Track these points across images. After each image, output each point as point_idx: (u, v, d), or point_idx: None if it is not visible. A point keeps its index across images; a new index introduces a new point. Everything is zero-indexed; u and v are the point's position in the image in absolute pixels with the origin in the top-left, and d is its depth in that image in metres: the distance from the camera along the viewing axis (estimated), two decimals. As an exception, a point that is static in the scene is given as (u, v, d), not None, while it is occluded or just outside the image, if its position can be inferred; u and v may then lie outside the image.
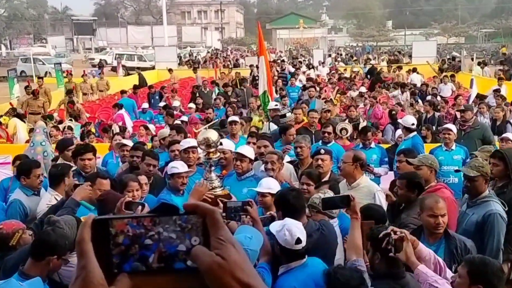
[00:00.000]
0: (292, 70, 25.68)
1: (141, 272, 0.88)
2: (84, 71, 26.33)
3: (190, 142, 6.38)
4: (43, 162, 8.20)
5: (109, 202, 4.69)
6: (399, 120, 8.69)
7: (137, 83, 23.43)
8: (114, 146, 7.73)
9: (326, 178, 5.91)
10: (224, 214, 4.34)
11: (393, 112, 11.99)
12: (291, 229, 3.66)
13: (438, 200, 4.24)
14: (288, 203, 4.18)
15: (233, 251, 0.87)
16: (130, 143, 7.74)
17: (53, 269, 3.70)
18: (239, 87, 18.63)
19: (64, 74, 23.96)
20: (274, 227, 3.78)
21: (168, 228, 0.89)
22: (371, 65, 28.31)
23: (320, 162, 6.20)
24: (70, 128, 10.16)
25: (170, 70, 26.54)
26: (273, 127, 9.63)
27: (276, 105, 10.58)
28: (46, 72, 32.73)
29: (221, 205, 4.46)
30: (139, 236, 0.88)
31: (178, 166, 5.66)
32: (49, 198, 5.47)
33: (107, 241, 0.88)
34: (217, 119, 10.36)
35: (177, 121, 11.09)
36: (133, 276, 0.87)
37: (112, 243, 0.88)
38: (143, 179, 5.65)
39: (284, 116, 9.49)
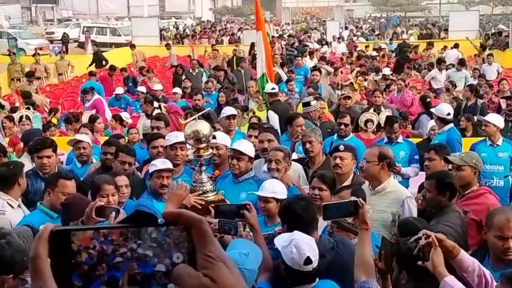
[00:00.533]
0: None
1: None
2: (35, 49, 26.10)
3: (178, 136, 6.37)
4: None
5: (75, 207, 4.69)
6: (432, 110, 8.67)
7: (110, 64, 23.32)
8: (68, 143, 7.71)
9: (348, 182, 5.86)
10: (216, 225, 4.34)
11: (428, 99, 11.96)
12: (300, 246, 3.65)
13: (510, 218, 4.14)
14: (295, 215, 4.15)
15: (225, 271, 0.86)
16: (86, 138, 7.71)
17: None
18: (235, 68, 18.64)
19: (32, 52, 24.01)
20: (280, 241, 3.77)
21: (143, 243, 0.88)
22: (401, 41, 28.25)
23: (338, 161, 6.10)
24: (28, 118, 10.15)
25: (132, 46, 26.29)
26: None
27: (274, 88, 10.61)
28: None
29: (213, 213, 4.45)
30: (107, 254, 0.87)
31: (157, 163, 5.66)
32: (0, 204, 5.46)
33: (67, 259, 0.87)
34: (208, 108, 10.33)
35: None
36: None
37: (74, 262, 0.87)
38: (121, 180, 5.67)
39: (307, 104, 9.48)
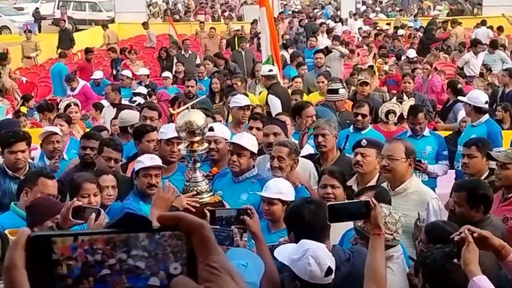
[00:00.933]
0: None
1: None
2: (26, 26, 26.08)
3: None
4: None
5: (40, 209, 4.70)
6: (463, 98, 8.62)
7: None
8: (39, 137, 7.71)
9: (372, 183, 5.80)
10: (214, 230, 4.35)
11: (458, 85, 11.91)
12: (318, 256, 3.63)
13: None
14: (303, 221, 4.11)
15: (232, 285, 0.86)
16: (56, 130, 7.71)
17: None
18: (236, 48, 18.63)
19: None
20: (287, 253, 3.74)
21: (134, 253, 0.87)
22: (431, 17, 28.07)
23: (360, 158, 6.02)
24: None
25: (104, 26, 26.02)
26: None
27: (271, 70, 10.62)
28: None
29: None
30: (93, 265, 0.87)
31: (144, 160, 5.66)
32: None
33: (48, 270, 0.86)
34: (203, 95, 10.35)
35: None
36: None
37: (55, 274, 0.86)
38: (107, 180, 5.67)
39: (335, 91, 9.44)
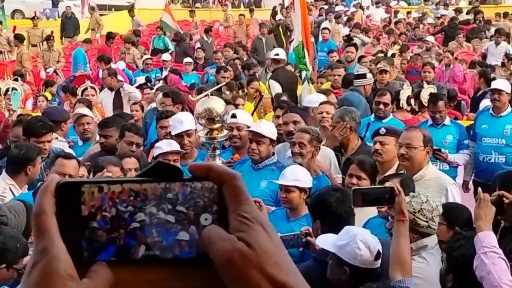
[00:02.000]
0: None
1: (127, 262, 0.85)
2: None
3: (183, 122, 6.29)
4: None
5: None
6: (499, 86, 8.48)
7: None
8: (71, 119, 7.76)
9: (392, 172, 5.75)
10: None
11: (491, 74, 11.78)
12: (367, 240, 3.65)
13: None
14: (329, 209, 4.12)
15: (264, 236, 0.82)
16: (87, 111, 7.77)
17: (0, 282, 3.74)
18: (282, 38, 18.36)
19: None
20: (333, 241, 3.73)
21: (164, 206, 0.84)
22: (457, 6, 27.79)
23: (378, 146, 5.97)
24: (15, 90, 10.15)
25: (130, 12, 25.42)
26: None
27: (277, 54, 10.54)
28: None
29: None
30: (123, 218, 0.84)
31: (162, 146, 5.67)
32: (1, 187, 5.55)
33: (77, 218, 0.84)
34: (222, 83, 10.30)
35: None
36: (114, 268, 0.84)
37: (85, 224, 0.84)
38: (130, 162, 5.70)
39: (362, 76, 9.39)
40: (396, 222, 3.91)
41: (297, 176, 5.06)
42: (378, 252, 3.64)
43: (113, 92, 11.18)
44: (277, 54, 10.69)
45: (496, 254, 3.61)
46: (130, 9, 26.47)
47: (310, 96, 8.23)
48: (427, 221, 4.20)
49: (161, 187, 0.85)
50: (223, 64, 13.73)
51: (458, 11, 24.92)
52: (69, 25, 23.50)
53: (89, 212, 0.84)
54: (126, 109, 10.51)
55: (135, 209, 0.85)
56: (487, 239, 3.65)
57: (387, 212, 4.19)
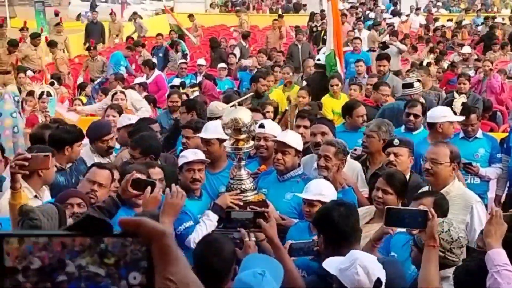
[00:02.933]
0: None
1: None
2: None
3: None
4: (11, 141, 8.40)
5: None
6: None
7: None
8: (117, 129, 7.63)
9: None
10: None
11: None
12: (367, 266, 3.55)
13: None
14: (332, 224, 4.02)
15: None
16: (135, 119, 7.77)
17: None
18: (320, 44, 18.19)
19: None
20: (335, 263, 3.66)
21: (94, 259, 0.84)
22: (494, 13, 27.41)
23: (392, 157, 6.04)
24: (49, 94, 10.26)
25: (191, 17, 25.65)
26: None
27: (319, 59, 10.45)
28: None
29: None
30: (49, 271, 0.83)
31: (187, 154, 5.67)
32: None
33: (1, 268, 0.83)
34: (250, 91, 10.21)
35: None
36: None
37: (8, 274, 0.83)
38: (154, 173, 5.69)
39: (410, 85, 9.26)
40: (426, 247, 3.86)
41: (321, 190, 5.00)
42: (378, 280, 3.56)
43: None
44: (318, 60, 10.61)
45: (510, 272, 3.58)
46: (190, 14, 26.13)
47: (435, 111, 7.87)
48: (444, 252, 4.12)
49: (91, 240, 0.84)
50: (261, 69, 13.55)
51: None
52: (94, 31, 23.09)
53: (13, 264, 0.83)
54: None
55: (63, 262, 0.83)
56: (498, 257, 3.63)
57: (419, 235, 4.12)
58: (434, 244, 3.83)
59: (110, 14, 25.39)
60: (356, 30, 19.45)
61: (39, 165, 4.68)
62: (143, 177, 5.21)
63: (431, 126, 7.44)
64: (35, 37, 17.16)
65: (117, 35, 24.22)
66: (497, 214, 3.79)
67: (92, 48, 17.59)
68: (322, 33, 19.13)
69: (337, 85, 10.42)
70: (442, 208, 4.72)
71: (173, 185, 4.52)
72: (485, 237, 3.75)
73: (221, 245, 3.92)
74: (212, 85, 12.74)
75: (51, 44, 17.59)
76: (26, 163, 4.41)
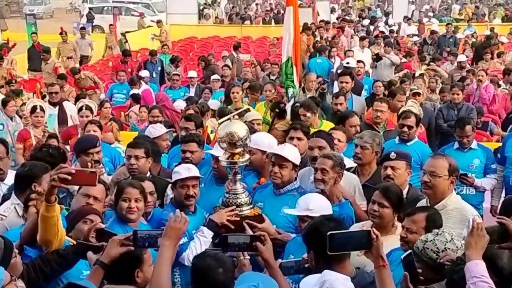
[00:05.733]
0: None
1: None
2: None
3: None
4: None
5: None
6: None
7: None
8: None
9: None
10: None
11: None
12: (334, 287, 3.52)
13: None
14: (322, 239, 3.91)
15: None
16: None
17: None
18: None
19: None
20: (310, 283, 3.64)
21: None
22: (485, 22, 27.47)
23: (390, 171, 6.03)
24: (42, 109, 10.15)
25: (158, 22, 25.62)
26: None
27: (348, 62, 10.22)
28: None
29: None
30: None
31: (181, 171, 5.63)
32: (6, 207, 5.56)
33: None
34: (246, 106, 10.16)
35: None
36: None
37: None
38: (146, 186, 5.70)
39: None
40: (376, 268, 3.79)
41: (309, 205, 4.94)
42: None
43: (57, 107, 11.31)
44: (347, 63, 10.44)
45: (486, 284, 3.59)
46: (159, 20, 26.65)
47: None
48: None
49: None
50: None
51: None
52: (34, 55, 21.13)
53: None
54: (70, 124, 10.79)
55: None
56: (475, 268, 3.63)
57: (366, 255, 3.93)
58: (383, 264, 3.77)
59: (111, 25, 25.74)
60: (357, 48, 19.05)
61: (85, 181, 4.41)
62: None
63: None
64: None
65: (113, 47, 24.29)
66: (479, 226, 3.81)
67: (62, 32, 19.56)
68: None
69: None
70: (435, 223, 4.73)
71: (177, 210, 4.42)
72: (465, 249, 3.77)
73: (223, 257, 3.96)
74: (165, 95, 13.01)
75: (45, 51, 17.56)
76: (69, 177, 4.20)
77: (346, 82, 11.03)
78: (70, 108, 11.42)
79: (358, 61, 14.47)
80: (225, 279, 3.78)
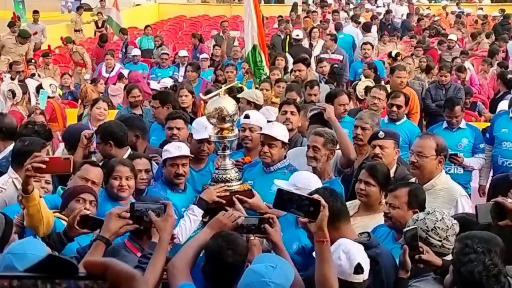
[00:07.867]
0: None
1: None
2: None
3: (209, 129, 5.64)
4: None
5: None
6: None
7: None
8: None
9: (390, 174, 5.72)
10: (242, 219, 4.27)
11: (509, 76, 11.64)
12: (350, 251, 3.57)
13: None
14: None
15: None
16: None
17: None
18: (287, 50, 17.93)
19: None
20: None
21: None
22: (474, 3, 27.41)
23: (378, 150, 6.00)
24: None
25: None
26: None
27: (298, 35, 10.28)
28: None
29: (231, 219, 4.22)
30: None
31: (171, 149, 5.62)
32: (4, 180, 5.57)
33: None
34: (236, 81, 10.09)
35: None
36: None
37: None
38: (140, 163, 5.71)
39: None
40: (316, 243, 3.55)
41: (297, 181, 4.90)
42: (358, 265, 3.52)
43: (15, 80, 11.21)
44: (297, 35, 10.45)
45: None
46: None
47: None
48: (440, 240, 4.11)
49: (53, 283, 0.78)
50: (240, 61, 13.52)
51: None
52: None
53: None
54: (33, 101, 10.67)
55: None
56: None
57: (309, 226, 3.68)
58: (323, 239, 3.50)
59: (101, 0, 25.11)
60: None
61: (59, 168, 4.33)
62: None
63: None
64: (11, 26, 16.93)
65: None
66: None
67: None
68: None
69: (267, 89, 9.81)
70: (417, 198, 4.72)
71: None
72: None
73: (236, 239, 3.90)
74: (138, 74, 13.06)
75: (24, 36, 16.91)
76: (44, 166, 4.13)
77: (300, 70, 10.35)
78: (33, 85, 11.55)
79: (365, 43, 14.29)
80: (233, 261, 3.75)
